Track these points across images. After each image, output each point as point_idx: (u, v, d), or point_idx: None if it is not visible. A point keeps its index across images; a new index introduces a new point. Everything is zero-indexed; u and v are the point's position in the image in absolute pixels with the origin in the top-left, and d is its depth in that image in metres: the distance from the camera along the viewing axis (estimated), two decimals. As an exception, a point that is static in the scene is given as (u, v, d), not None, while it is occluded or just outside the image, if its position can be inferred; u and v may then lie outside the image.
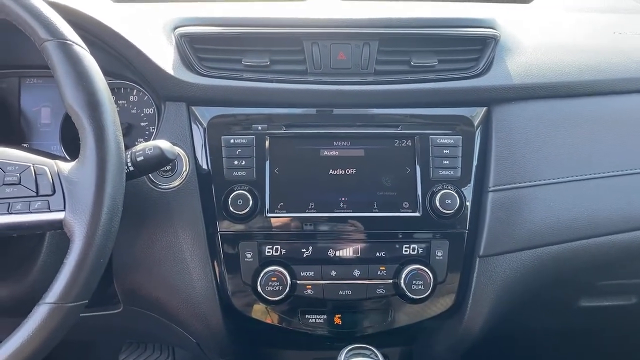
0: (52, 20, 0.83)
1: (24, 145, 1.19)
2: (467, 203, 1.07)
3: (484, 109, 1.11)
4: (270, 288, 1.03)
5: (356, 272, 1.06)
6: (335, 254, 1.07)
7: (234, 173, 1.06)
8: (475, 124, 1.10)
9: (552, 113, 1.13)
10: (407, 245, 1.07)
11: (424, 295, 1.05)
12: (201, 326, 1.09)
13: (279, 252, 1.06)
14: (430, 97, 1.09)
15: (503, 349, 1.66)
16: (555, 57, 1.16)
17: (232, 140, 1.07)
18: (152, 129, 1.18)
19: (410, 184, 1.07)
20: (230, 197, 1.04)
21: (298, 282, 1.06)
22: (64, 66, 0.82)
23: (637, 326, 1.47)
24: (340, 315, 1.10)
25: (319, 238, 1.06)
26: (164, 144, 0.92)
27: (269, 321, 1.09)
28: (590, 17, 1.37)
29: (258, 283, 1.04)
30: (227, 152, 1.06)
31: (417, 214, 1.06)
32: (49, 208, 0.80)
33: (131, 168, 0.91)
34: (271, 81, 1.07)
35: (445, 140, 1.08)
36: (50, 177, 0.81)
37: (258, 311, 1.09)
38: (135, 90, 1.19)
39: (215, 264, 1.07)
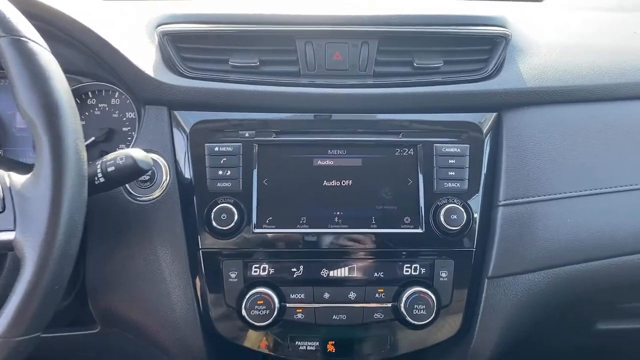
0: (5, 14, 0.75)
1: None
2: (475, 218, 1.02)
3: (494, 114, 1.06)
4: (256, 312, 0.98)
5: (352, 295, 1.01)
6: (328, 275, 1.01)
7: (218, 184, 1.01)
8: (484, 131, 1.05)
9: (568, 119, 1.07)
10: (408, 265, 1.01)
11: (427, 321, 1.00)
12: (181, 351, 1.05)
13: (266, 272, 1.01)
14: (435, 102, 1.04)
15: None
16: (572, 58, 1.10)
17: (216, 148, 1.02)
18: (135, 134, 1.13)
19: (412, 197, 1.02)
20: (214, 210, 0.99)
21: (287, 305, 1.00)
22: (18, 66, 0.73)
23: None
24: (333, 342, 1.05)
25: (311, 257, 1.01)
26: (137, 153, 0.86)
27: (255, 348, 1.04)
28: (607, 15, 1.32)
29: (243, 306, 0.99)
30: (210, 161, 1.01)
31: (419, 231, 1.01)
32: None
33: (102, 179, 0.85)
34: (260, 83, 1.03)
35: (451, 149, 1.03)
36: (0, 192, 0.72)
37: (243, 337, 1.03)
38: (117, 93, 1.16)
39: (197, 284, 1.02)
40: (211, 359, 1.06)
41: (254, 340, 1.03)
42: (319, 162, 1.03)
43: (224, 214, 0.98)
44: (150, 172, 1.00)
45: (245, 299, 0.99)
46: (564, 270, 1.04)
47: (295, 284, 1.01)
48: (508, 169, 1.04)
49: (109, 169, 0.84)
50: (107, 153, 0.88)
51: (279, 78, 1.03)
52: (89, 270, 1.03)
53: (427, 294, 0.99)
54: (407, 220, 1.02)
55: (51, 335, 1.07)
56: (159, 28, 1.05)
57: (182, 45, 1.04)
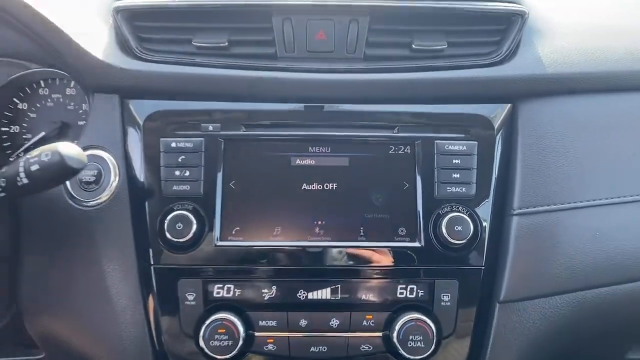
0: None
1: None
2: (484, 229, 0.97)
3: (508, 106, 1.01)
4: (216, 342, 0.91)
5: (334, 322, 0.95)
6: (306, 297, 0.95)
7: (174, 187, 0.95)
8: (496, 125, 1.00)
9: (597, 112, 1.02)
10: (403, 286, 0.95)
11: (425, 355, 0.93)
12: None
13: (230, 293, 0.94)
14: (437, 90, 1.00)
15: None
16: (600, 40, 1.05)
17: (173, 144, 0.96)
18: None
19: (408, 204, 0.97)
20: (168, 218, 0.92)
21: (255, 334, 0.94)
22: None
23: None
24: (312, 380, 0.98)
25: (286, 275, 0.96)
26: (66, 149, 0.78)
27: (216, 384, 0.98)
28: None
29: (201, 335, 0.92)
30: (166, 159, 0.95)
31: (416, 244, 0.96)
32: None
33: (25, 180, 0.78)
34: (229, 67, 0.97)
35: (456, 147, 0.98)
36: None
37: (203, 371, 0.97)
38: (73, 82, 1.12)
39: (150, 306, 0.96)
40: (166, 394, 1.01)
41: (215, 375, 0.97)
42: (298, 162, 0.97)
43: (179, 223, 0.91)
44: (96, 171, 0.94)
45: (205, 327, 0.92)
46: (592, 294, 0.98)
47: (265, 308, 0.95)
48: (524, 171, 0.98)
49: (32, 168, 0.77)
50: None
51: (252, 61, 0.98)
52: (24, 287, 0.96)
53: (425, 321, 0.93)
54: (402, 231, 0.96)
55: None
56: (113, 4, 0.99)
57: (139, 23, 0.98)
